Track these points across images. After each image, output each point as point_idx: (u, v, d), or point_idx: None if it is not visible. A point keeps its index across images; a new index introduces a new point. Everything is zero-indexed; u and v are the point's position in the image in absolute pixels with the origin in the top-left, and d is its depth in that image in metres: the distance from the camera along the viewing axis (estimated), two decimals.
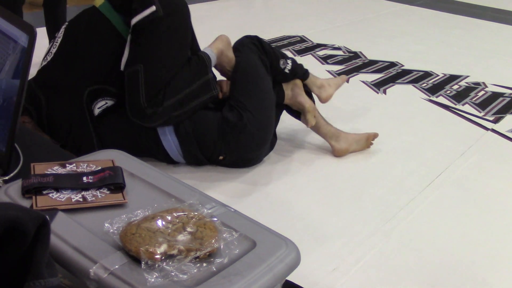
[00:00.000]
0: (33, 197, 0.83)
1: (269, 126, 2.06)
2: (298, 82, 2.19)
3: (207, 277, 0.72)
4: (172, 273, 0.70)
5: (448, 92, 3.11)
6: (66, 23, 1.94)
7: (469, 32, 4.61)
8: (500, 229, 1.86)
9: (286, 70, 2.15)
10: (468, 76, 3.40)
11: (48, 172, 0.89)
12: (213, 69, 2.04)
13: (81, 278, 0.72)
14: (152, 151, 1.96)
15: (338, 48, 3.80)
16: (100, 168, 0.92)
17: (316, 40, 3.94)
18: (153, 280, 0.69)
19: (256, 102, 1.99)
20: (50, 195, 0.84)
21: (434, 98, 3.00)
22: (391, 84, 3.18)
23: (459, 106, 2.91)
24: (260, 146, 2.05)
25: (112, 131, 1.88)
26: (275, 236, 0.83)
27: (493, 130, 2.64)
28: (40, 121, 1.83)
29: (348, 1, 5.54)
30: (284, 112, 2.25)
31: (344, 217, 1.85)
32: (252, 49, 2.10)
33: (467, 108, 2.89)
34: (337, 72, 3.28)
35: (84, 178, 0.88)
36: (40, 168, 0.91)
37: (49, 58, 1.87)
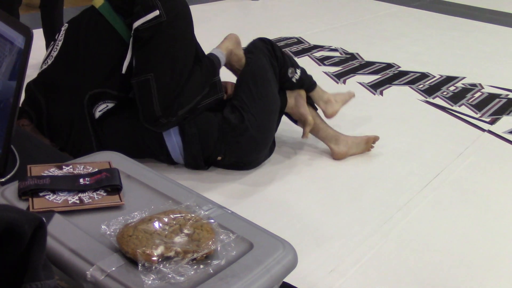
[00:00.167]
0: (30, 199, 0.83)
1: (270, 130, 2.06)
2: (302, 92, 2.19)
3: (204, 279, 0.72)
4: (169, 275, 0.70)
5: (445, 93, 3.12)
6: (66, 24, 1.92)
7: (465, 34, 4.62)
8: (498, 229, 1.87)
9: (293, 79, 2.15)
10: (464, 78, 3.41)
11: (45, 174, 0.89)
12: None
13: (78, 280, 0.72)
14: (153, 151, 1.95)
15: (335, 50, 3.80)
16: (97, 169, 0.92)
17: (313, 42, 3.94)
18: (150, 282, 0.69)
19: (260, 105, 1.99)
20: (47, 197, 0.84)
21: (430, 100, 3.00)
22: (388, 85, 3.18)
23: (455, 108, 2.91)
24: (259, 150, 2.05)
25: (113, 133, 1.87)
26: (272, 237, 0.83)
27: (490, 131, 2.65)
28: (40, 124, 1.82)
29: (345, 3, 5.55)
30: None
31: (342, 218, 1.85)
32: (264, 53, 2.10)
33: (464, 109, 2.90)
34: (333, 74, 3.29)
35: (81, 180, 0.88)
36: (36, 170, 0.90)
37: (49, 62, 1.85)
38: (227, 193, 1.93)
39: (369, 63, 3.56)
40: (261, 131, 1.99)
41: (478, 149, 2.46)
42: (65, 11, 2.99)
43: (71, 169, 0.92)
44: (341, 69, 3.39)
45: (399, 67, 3.52)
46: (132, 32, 1.79)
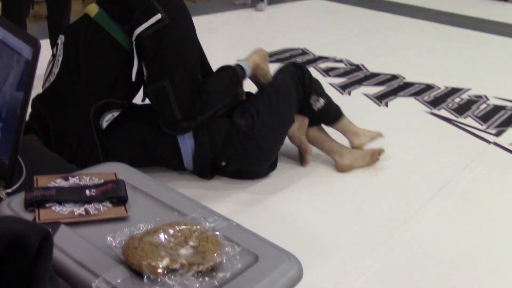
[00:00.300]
0: (36, 210, 0.83)
1: (277, 145, 2.07)
2: (307, 120, 2.19)
3: None
4: (174, 287, 0.70)
5: (450, 105, 3.11)
6: (62, 36, 1.87)
7: (470, 45, 4.62)
8: (504, 242, 1.85)
9: (314, 107, 2.17)
10: (469, 89, 3.40)
11: (51, 185, 0.89)
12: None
13: None
14: (164, 157, 1.95)
15: (340, 61, 3.81)
16: (103, 181, 0.92)
17: (318, 53, 3.95)
18: None
19: (274, 119, 2.01)
20: (53, 208, 0.84)
21: (436, 111, 3.00)
22: (393, 97, 3.18)
23: (461, 119, 2.91)
24: (263, 161, 2.05)
25: (120, 142, 1.88)
26: (278, 250, 0.83)
27: (495, 143, 2.64)
28: (47, 140, 1.83)
29: (350, 14, 5.57)
30: None
31: (347, 230, 1.84)
32: (292, 75, 2.13)
33: (469, 121, 2.89)
34: (339, 85, 3.29)
35: (87, 191, 0.88)
36: (43, 181, 0.91)
37: (52, 79, 1.83)
38: (231, 205, 1.92)
39: (374, 75, 3.56)
40: (268, 143, 1.99)
41: (484, 161, 2.45)
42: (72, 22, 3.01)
43: (77, 180, 0.92)
44: (346, 81, 3.40)
45: (404, 78, 3.52)
46: (134, 38, 1.77)
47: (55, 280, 0.60)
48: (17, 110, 0.95)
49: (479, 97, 3.28)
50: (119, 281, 0.71)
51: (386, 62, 3.87)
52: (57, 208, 0.84)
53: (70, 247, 0.76)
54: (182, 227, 0.79)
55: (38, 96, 1.87)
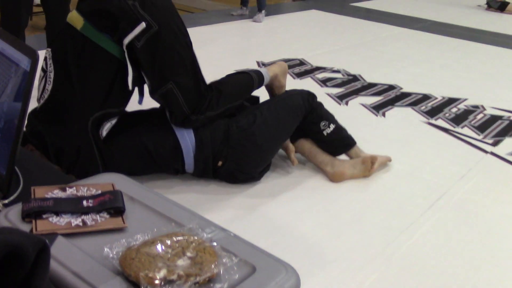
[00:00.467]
0: (33, 221, 0.83)
1: (275, 144, 2.13)
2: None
3: None
4: None
5: (447, 115, 3.12)
6: (49, 50, 1.83)
7: (467, 55, 4.65)
8: (502, 252, 1.86)
9: (324, 132, 2.22)
10: (466, 99, 3.42)
11: (48, 196, 0.89)
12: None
13: None
14: (165, 160, 1.96)
15: (337, 71, 3.83)
16: (100, 191, 0.92)
17: (315, 63, 3.97)
18: None
19: (275, 121, 2.07)
20: (50, 219, 0.84)
21: (433, 121, 3.01)
22: (390, 107, 3.19)
23: (458, 129, 2.92)
24: (260, 161, 2.08)
25: (121, 149, 1.88)
26: (275, 261, 0.83)
27: (492, 153, 2.65)
28: (46, 154, 1.82)
29: (347, 24, 5.59)
30: None
31: (344, 241, 1.84)
32: (303, 97, 2.18)
33: (466, 131, 2.90)
34: (336, 95, 3.30)
35: (84, 202, 0.88)
36: (40, 191, 0.90)
37: (46, 96, 1.80)
38: (228, 215, 1.92)
39: (372, 85, 3.57)
40: (267, 142, 2.05)
41: (481, 171, 2.46)
42: None
43: (75, 191, 0.92)
44: (344, 91, 3.41)
45: (401, 88, 3.54)
46: (125, 47, 1.75)
47: None
48: (15, 121, 0.95)
49: (476, 107, 3.30)
50: None
51: (383, 72, 3.89)
52: (54, 219, 0.84)
53: (67, 258, 0.76)
54: (179, 238, 0.79)
55: (35, 112, 1.85)
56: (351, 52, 4.46)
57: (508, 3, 7.21)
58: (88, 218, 0.85)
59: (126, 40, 1.74)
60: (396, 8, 6.74)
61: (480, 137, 2.83)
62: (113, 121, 1.86)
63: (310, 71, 3.78)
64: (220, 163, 2.00)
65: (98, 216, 0.86)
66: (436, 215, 2.05)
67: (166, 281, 0.72)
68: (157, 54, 1.78)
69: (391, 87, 3.55)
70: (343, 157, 2.29)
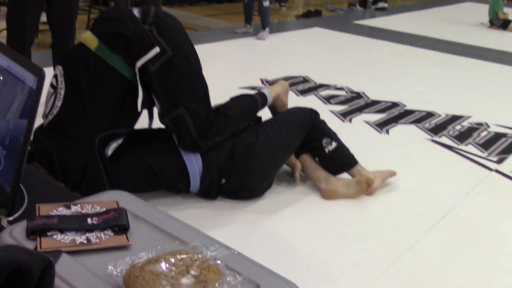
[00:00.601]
0: (38, 238, 0.83)
1: (278, 162, 2.15)
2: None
3: None
4: None
5: (451, 132, 3.12)
6: (61, 68, 1.84)
7: (470, 73, 4.66)
8: (507, 270, 1.84)
9: (326, 150, 2.23)
10: (470, 117, 3.42)
11: (53, 213, 0.89)
12: None
13: None
14: (170, 179, 1.96)
15: (341, 88, 3.84)
16: (104, 209, 0.92)
17: (318, 81, 3.98)
18: None
19: (278, 138, 2.09)
20: (55, 236, 0.84)
21: (437, 138, 3.01)
22: (394, 124, 3.19)
23: (462, 147, 2.91)
24: (263, 178, 2.09)
25: (127, 168, 1.89)
26: (279, 279, 0.82)
27: (497, 171, 2.64)
28: (53, 170, 1.83)
29: (350, 42, 5.62)
30: None
31: (349, 259, 1.83)
32: (305, 114, 2.21)
33: (470, 148, 2.90)
34: (340, 113, 3.31)
35: (89, 220, 0.88)
36: (45, 209, 0.91)
37: (55, 112, 1.81)
38: (232, 232, 1.92)
39: (375, 102, 3.58)
40: (269, 160, 2.06)
41: (486, 189, 2.45)
42: None
43: (79, 209, 0.92)
44: (347, 108, 3.41)
45: (405, 106, 3.54)
46: (137, 69, 1.78)
47: None
48: (20, 138, 0.96)
49: (480, 124, 3.30)
50: None
51: (386, 89, 3.90)
52: (58, 236, 0.84)
53: (71, 276, 0.76)
54: (183, 256, 0.79)
55: (41, 129, 1.86)
56: (354, 69, 4.48)
57: (510, 21, 7.24)
58: (93, 236, 0.85)
59: (139, 63, 1.78)
60: (399, 26, 6.77)
61: (484, 155, 2.82)
62: (120, 141, 1.86)
63: (314, 88, 3.80)
64: (223, 180, 2.00)
65: (102, 233, 0.86)
66: (441, 233, 2.04)
67: None
68: (171, 79, 1.81)
69: (394, 105, 3.55)
70: (344, 175, 2.28)
